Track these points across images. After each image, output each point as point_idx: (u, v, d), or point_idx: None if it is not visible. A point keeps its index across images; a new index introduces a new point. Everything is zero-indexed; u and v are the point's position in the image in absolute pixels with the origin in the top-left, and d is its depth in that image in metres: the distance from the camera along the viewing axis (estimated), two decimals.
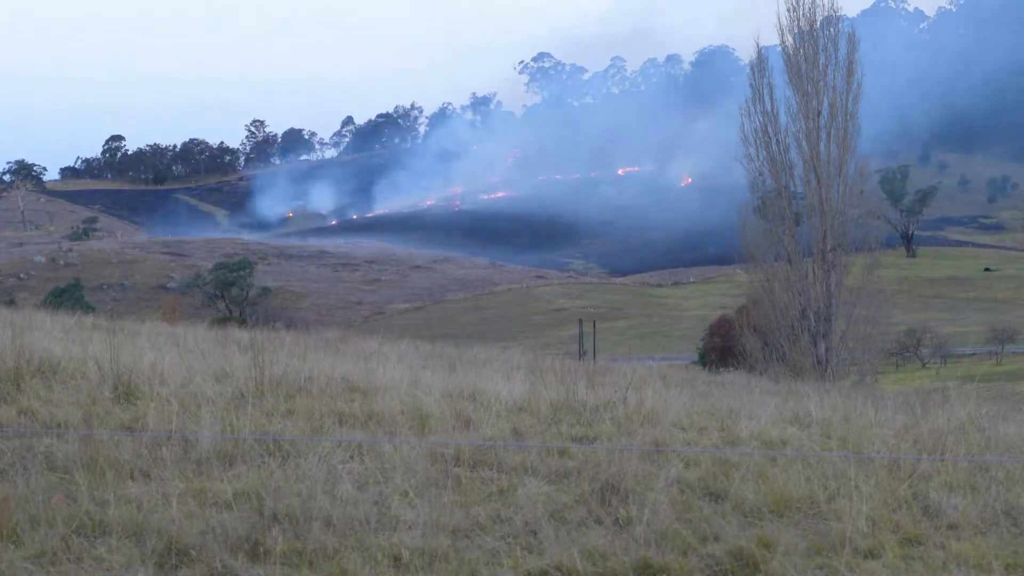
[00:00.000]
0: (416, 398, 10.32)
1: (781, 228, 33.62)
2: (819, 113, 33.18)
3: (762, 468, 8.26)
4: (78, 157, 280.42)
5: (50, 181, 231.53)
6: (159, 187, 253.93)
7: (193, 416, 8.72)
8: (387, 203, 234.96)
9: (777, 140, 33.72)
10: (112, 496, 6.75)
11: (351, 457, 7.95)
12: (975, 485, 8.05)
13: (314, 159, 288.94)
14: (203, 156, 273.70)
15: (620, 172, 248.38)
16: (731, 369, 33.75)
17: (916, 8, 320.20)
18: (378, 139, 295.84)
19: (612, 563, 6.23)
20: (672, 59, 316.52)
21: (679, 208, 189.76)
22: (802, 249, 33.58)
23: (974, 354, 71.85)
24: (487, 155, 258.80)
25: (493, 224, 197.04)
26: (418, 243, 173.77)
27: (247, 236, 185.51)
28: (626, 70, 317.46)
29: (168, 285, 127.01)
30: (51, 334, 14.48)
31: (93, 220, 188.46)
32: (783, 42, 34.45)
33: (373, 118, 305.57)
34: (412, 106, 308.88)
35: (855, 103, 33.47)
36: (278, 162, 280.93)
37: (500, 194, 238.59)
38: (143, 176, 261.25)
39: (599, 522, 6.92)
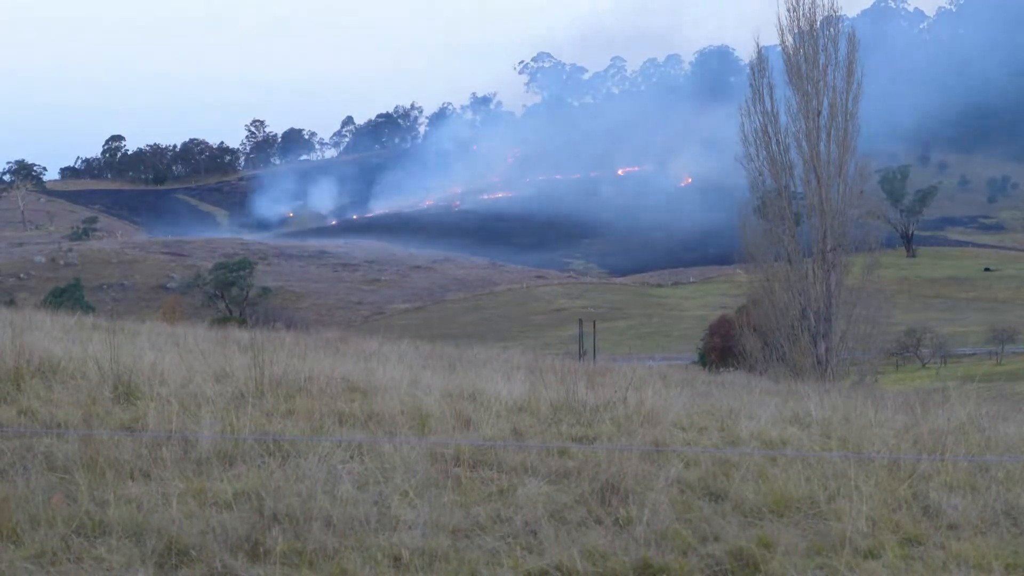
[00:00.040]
0: (416, 398, 10.32)
1: (781, 228, 33.61)
2: (819, 113, 33.17)
3: (762, 468, 8.25)
4: (78, 157, 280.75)
5: (50, 181, 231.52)
6: (159, 187, 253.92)
7: (193, 416, 8.72)
8: (387, 203, 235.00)
9: (777, 140, 33.72)
10: (112, 496, 6.75)
11: (351, 457, 7.95)
12: (975, 485, 8.05)
13: (314, 159, 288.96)
14: (203, 156, 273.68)
15: (620, 172, 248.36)
16: (731, 369, 33.74)
17: (916, 8, 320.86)
18: (378, 139, 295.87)
19: (612, 563, 6.23)
20: (672, 59, 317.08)
21: (679, 208, 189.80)
22: (802, 249, 33.57)
23: (974, 354, 71.85)
24: (487, 155, 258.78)
25: (493, 224, 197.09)
26: (418, 243, 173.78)
27: (247, 236, 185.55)
28: (626, 70, 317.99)
29: (168, 285, 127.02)
30: (51, 334, 14.48)
31: (93, 220, 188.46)
32: (783, 42, 34.45)
33: (373, 118, 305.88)
34: (412, 106, 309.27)
35: (855, 103, 33.46)
36: (278, 162, 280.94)
37: (500, 194, 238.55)
38: (143, 176, 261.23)
39: (599, 522, 6.92)
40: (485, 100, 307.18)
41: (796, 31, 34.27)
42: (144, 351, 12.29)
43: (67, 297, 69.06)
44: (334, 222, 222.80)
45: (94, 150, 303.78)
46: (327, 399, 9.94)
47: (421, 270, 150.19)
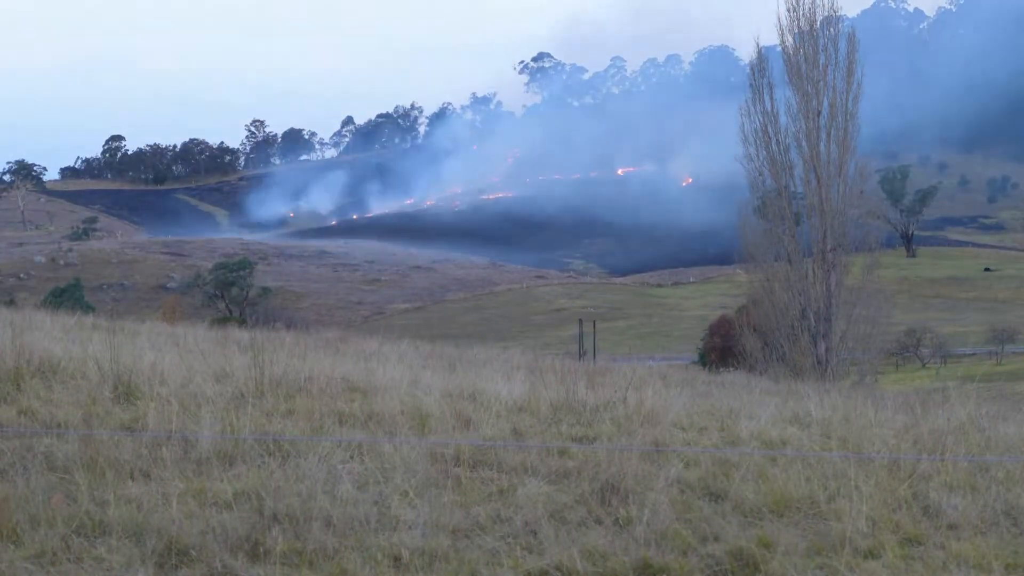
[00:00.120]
0: (416, 398, 10.32)
1: (781, 228, 33.61)
2: (819, 113, 33.17)
3: (762, 468, 8.25)
4: (78, 157, 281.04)
5: (50, 181, 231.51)
6: (159, 187, 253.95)
7: (193, 416, 8.72)
8: (387, 203, 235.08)
9: (777, 140, 33.71)
10: (112, 496, 6.75)
11: (351, 457, 7.95)
12: (975, 485, 8.05)
13: (314, 159, 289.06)
14: (203, 156, 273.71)
15: (620, 172, 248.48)
16: (731, 369, 33.74)
17: (916, 8, 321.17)
18: (378, 139, 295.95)
19: (612, 563, 6.23)
20: (672, 59, 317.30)
21: (679, 208, 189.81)
22: (802, 249, 33.56)
23: (974, 354, 71.84)
24: (487, 155, 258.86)
25: (493, 224, 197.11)
26: (418, 243, 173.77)
27: (247, 236, 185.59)
28: (626, 70, 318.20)
29: (168, 285, 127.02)
30: (51, 334, 14.48)
31: (93, 220, 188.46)
32: (783, 42, 34.44)
33: (373, 118, 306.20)
34: (412, 106, 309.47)
35: (855, 103, 33.45)
36: (278, 162, 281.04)
37: (500, 194, 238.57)
38: (143, 176, 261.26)
39: (599, 522, 6.92)
40: (485, 100, 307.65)
41: (796, 31, 34.28)
42: (144, 351, 12.29)
43: (67, 297, 69.05)
44: (334, 222, 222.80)
45: (94, 150, 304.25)
46: (327, 399, 9.94)
47: (421, 270, 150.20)
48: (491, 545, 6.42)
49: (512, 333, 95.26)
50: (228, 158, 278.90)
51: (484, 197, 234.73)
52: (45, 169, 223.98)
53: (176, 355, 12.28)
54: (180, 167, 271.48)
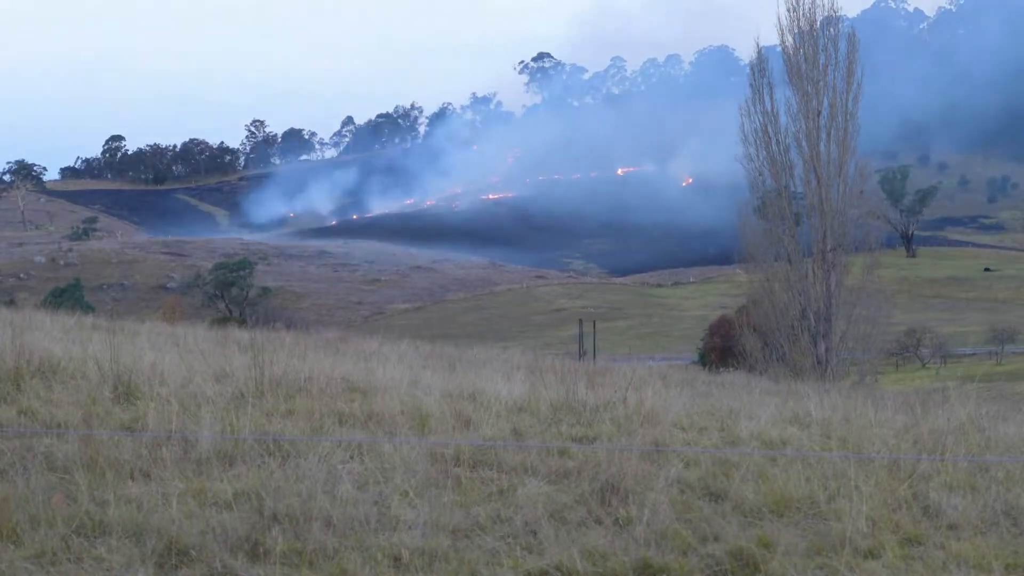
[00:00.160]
0: (416, 398, 10.32)
1: (781, 228, 33.60)
2: (819, 113, 33.17)
3: (762, 468, 8.25)
4: (78, 157, 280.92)
5: (50, 181, 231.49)
6: (159, 187, 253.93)
7: (193, 416, 8.72)
8: (387, 203, 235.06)
9: (777, 140, 33.71)
10: (112, 496, 6.75)
11: (351, 457, 7.95)
12: (975, 485, 8.05)
13: (314, 159, 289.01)
14: (203, 156, 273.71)
15: (620, 172, 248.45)
16: (731, 369, 33.71)
17: (916, 8, 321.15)
18: (378, 139, 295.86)
19: (612, 563, 6.23)
20: (672, 59, 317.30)
21: (679, 208, 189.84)
22: (802, 249, 33.56)
23: (974, 354, 71.83)
24: (487, 155, 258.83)
25: (493, 224, 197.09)
26: (418, 243, 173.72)
27: (247, 236, 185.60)
28: (626, 70, 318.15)
29: (168, 285, 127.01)
30: (51, 334, 14.48)
31: (93, 220, 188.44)
32: (783, 42, 34.44)
33: (373, 118, 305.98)
34: (412, 106, 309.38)
35: (855, 103, 33.45)
36: (278, 162, 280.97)
37: (500, 194, 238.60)
38: (143, 176, 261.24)
39: (599, 522, 6.92)
40: (485, 100, 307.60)
41: (796, 31, 34.28)
42: (144, 351, 12.29)
43: (67, 297, 69.03)
44: (334, 222, 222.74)
45: (94, 150, 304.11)
46: (327, 399, 9.94)
47: (421, 270, 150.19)
48: (491, 545, 6.41)
49: (512, 333, 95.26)
50: (228, 158, 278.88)
51: (484, 197, 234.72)
52: (45, 169, 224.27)
53: (176, 355, 12.28)
54: (180, 167, 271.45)
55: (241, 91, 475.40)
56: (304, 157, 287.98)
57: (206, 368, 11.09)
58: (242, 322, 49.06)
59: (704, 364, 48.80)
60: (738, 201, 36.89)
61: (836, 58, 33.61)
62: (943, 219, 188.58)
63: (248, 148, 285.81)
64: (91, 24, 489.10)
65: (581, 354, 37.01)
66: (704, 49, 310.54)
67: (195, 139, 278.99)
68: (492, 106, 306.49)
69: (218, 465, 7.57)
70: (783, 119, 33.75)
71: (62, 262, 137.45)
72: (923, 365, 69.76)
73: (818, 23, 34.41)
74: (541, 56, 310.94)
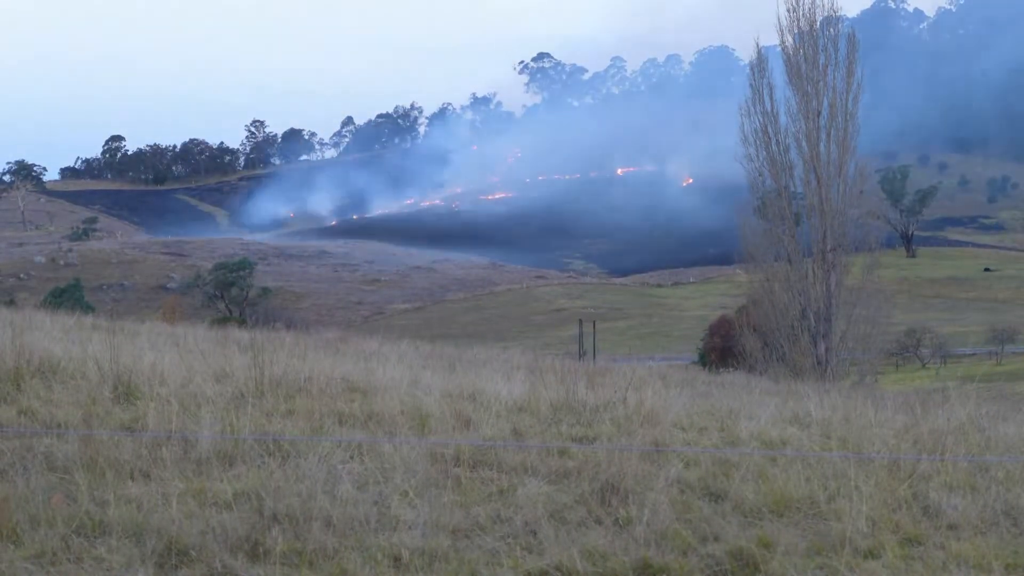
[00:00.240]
0: (416, 398, 10.33)
1: (781, 228, 33.60)
2: (819, 113, 33.16)
3: (762, 468, 8.26)
4: (78, 157, 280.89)
5: (50, 181, 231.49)
6: (159, 187, 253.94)
7: (193, 416, 8.72)
8: (387, 203, 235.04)
9: (777, 140, 33.71)
10: (112, 496, 6.75)
11: (351, 457, 7.95)
12: (975, 485, 8.05)
13: (314, 159, 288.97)
14: (203, 156, 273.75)
15: (620, 172, 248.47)
16: (731, 369, 33.72)
17: (916, 8, 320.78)
18: (378, 139, 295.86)
19: (612, 563, 6.23)
20: (672, 59, 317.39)
21: (679, 208, 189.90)
22: (802, 249, 33.55)
23: (974, 354, 71.82)
24: (487, 155, 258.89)
25: (493, 224, 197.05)
26: (418, 243, 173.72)
27: (247, 236, 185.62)
28: (626, 70, 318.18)
29: (168, 285, 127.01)
30: (51, 334, 14.49)
31: (93, 220, 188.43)
32: (783, 42, 34.44)
33: (373, 118, 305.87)
34: (412, 106, 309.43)
35: (855, 103, 33.44)
36: (278, 162, 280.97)
37: (500, 194, 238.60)
38: (143, 176, 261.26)
39: (599, 522, 6.92)
40: (485, 100, 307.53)
41: (796, 31, 34.27)
42: (144, 351, 12.29)
43: (67, 297, 69.01)
44: (334, 222, 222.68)
45: (94, 150, 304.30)
46: (327, 399, 9.94)
47: (421, 270, 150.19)
48: (491, 545, 6.42)
49: (512, 333, 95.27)
50: (228, 158, 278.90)
51: (484, 197, 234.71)
52: (45, 169, 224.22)
53: (176, 355, 12.28)
54: (180, 167, 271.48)
55: (241, 91, 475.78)
56: (304, 157, 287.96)
57: (206, 368, 11.09)
58: (242, 322, 49.06)
59: (704, 364, 48.80)
60: (738, 201, 36.94)
61: (836, 58, 33.60)
62: (943, 219, 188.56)
63: (248, 148, 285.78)
64: (91, 24, 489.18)
65: (581, 354, 37.02)
66: (704, 49, 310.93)
67: (195, 139, 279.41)
68: (492, 106, 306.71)
69: (218, 465, 7.57)
70: (783, 119, 33.75)
71: (62, 262, 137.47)
72: (923, 365, 69.75)
73: (818, 23, 34.42)
74: (541, 56, 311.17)
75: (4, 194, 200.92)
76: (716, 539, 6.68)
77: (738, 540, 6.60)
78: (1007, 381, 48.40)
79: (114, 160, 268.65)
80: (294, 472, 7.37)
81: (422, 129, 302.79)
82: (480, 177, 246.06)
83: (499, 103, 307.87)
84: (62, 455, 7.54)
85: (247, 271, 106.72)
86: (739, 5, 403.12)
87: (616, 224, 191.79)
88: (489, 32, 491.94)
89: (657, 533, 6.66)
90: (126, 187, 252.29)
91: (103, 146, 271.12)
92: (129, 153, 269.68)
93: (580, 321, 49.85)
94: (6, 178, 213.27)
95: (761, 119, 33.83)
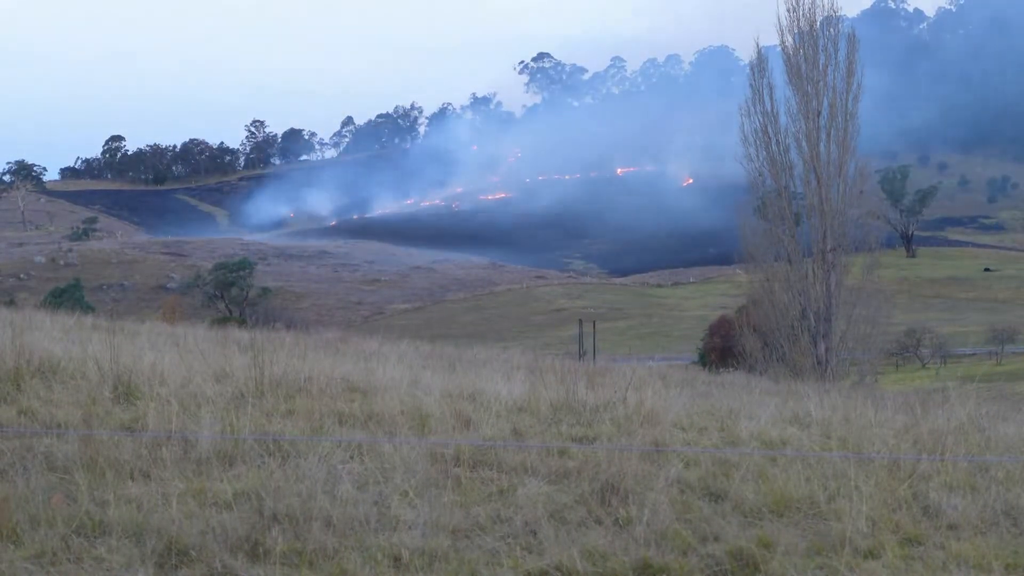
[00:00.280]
0: (416, 398, 10.32)
1: (781, 228, 33.60)
2: (819, 113, 33.16)
3: (762, 468, 8.25)
4: (78, 157, 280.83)
5: (50, 181, 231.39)
6: (159, 187, 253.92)
7: (193, 416, 8.72)
8: (387, 203, 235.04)
9: (777, 140, 33.70)
10: (112, 496, 6.75)
11: (351, 457, 7.95)
12: (975, 485, 8.04)
13: (314, 159, 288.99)
14: (203, 156, 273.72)
15: (620, 172, 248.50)
16: (731, 369, 33.72)
17: (916, 8, 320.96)
18: (378, 139, 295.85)
19: (612, 563, 6.23)
20: (672, 59, 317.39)
21: (679, 208, 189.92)
22: (802, 249, 33.55)
23: (974, 354, 71.81)
24: (487, 155, 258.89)
25: (493, 224, 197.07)
26: (418, 243, 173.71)
27: (247, 236, 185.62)
28: (626, 70, 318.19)
29: (168, 285, 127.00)
30: (51, 334, 14.49)
31: (93, 220, 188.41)
32: (783, 42, 34.43)
33: (373, 118, 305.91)
34: (412, 106, 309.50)
35: (855, 103, 33.44)
36: (278, 162, 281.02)
37: (500, 194, 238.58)
38: (143, 176, 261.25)
39: (599, 522, 6.92)
40: (485, 100, 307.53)
41: (796, 31, 34.26)
42: (144, 351, 12.29)
43: (67, 297, 69.04)
44: (334, 222, 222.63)
45: (94, 150, 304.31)
46: (327, 399, 9.94)
47: (421, 270, 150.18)
48: (491, 545, 6.41)
49: (512, 333, 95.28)
50: (228, 158, 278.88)
51: (484, 197, 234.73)
52: (45, 169, 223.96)
53: (176, 355, 12.28)
54: (180, 167, 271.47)
55: (241, 91, 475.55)
56: (304, 157, 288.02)
57: (206, 368, 11.09)
58: (242, 322, 49.06)
59: (704, 364, 48.80)
60: (738, 201, 36.95)
61: (836, 58, 33.59)
62: (943, 219, 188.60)
63: (248, 148, 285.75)
64: (91, 24, 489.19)
65: (581, 354, 37.01)
66: (704, 49, 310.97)
67: (195, 139, 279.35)
68: (492, 106, 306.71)
69: (218, 465, 7.57)
70: (783, 119, 33.75)
71: (62, 262, 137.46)
72: (923, 365, 69.74)
73: (818, 23, 34.42)
74: (541, 56, 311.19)
75: (4, 194, 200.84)
76: (716, 539, 6.68)
77: (738, 540, 6.59)
78: (1007, 381, 48.40)
79: (114, 160, 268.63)
80: (294, 472, 7.37)
81: (422, 129, 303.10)
82: (480, 177, 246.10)
83: (499, 103, 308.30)
84: (62, 455, 7.54)
85: (247, 271, 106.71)
86: (739, 5, 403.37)
87: (616, 224, 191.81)
88: (489, 32, 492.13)
89: (657, 533, 6.66)
90: (126, 187, 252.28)
91: (103, 146, 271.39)
92: (129, 153, 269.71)
93: (580, 321, 49.83)
94: (6, 178, 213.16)
95: (761, 119, 33.83)
